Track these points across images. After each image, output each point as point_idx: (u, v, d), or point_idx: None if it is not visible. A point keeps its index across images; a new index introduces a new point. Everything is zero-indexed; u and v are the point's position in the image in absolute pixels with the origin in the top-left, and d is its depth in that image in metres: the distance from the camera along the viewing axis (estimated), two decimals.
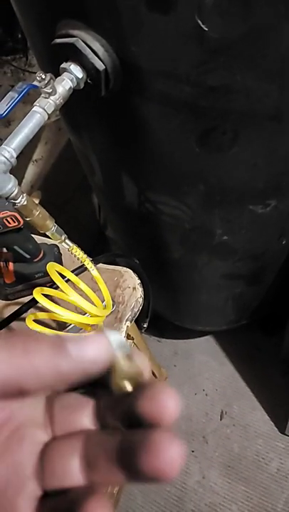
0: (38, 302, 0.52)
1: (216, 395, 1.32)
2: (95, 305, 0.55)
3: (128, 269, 0.73)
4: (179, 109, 0.54)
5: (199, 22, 0.41)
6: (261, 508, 1.08)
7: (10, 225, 0.60)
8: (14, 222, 0.59)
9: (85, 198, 1.56)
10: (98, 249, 0.70)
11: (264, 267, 0.98)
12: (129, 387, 0.19)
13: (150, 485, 1.16)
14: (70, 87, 0.47)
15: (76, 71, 0.45)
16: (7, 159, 0.42)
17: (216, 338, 1.44)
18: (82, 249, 0.57)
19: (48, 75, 0.42)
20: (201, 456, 1.21)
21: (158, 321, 1.28)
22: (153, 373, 1.17)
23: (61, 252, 0.74)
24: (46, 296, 0.53)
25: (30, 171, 1.32)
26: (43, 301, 0.51)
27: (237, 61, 0.47)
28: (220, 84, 0.51)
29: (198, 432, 1.25)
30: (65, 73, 0.46)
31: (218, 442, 1.22)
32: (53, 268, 0.52)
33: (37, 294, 0.52)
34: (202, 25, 0.41)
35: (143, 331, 1.00)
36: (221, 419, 1.26)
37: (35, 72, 0.43)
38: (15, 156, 0.44)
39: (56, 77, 0.45)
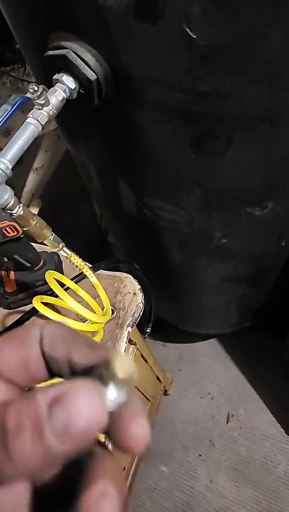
0: (38, 310, 0.52)
1: (221, 398, 1.31)
2: (94, 312, 0.55)
3: (128, 275, 0.73)
4: (172, 115, 0.55)
5: (187, 30, 0.42)
6: (270, 511, 1.08)
7: (9, 235, 0.60)
8: (13, 231, 0.60)
9: (86, 204, 1.57)
10: (100, 255, 0.70)
11: (265, 268, 0.98)
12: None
13: (159, 490, 1.16)
14: (63, 98, 0.47)
15: (68, 82, 0.46)
16: (2, 171, 0.43)
17: (220, 341, 1.44)
18: (81, 257, 0.57)
19: (41, 87, 0.43)
20: (209, 460, 1.20)
21: (162, 325, 1.28)
22: (158, 378, 1.17)
23: (62, 259, 0.74)
24: (47, 304, 0.54)
25: (31, 180, 1.33)
26: (43, 310, 0.51)
27: (227, 66, 0.48)
28: (211, 89, 0.51)
29: (204, 436, 1.25)
30: (57, 84, 0.47)
31: (226, 446, 1.22)
32: (51, 276, 0.53)
33: (36, 302, 0.52)
34: (190, 33, 0.42)
35: (146, 336, 1.01)
36: (227, 423, 1.26)
37: (34, 82, 0.43)
38: (10, 167, 0.45)
39: (49, 88, 0.46)
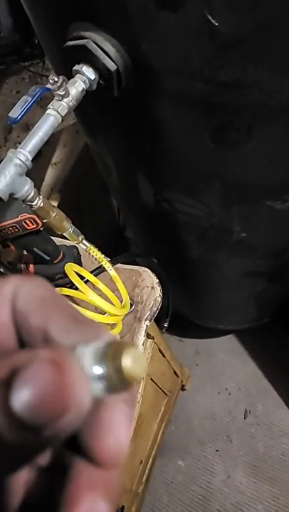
0: None
1: (239, 393, 1.30)
2: (113, 304, 0.55)
3: (146, 269, 0.73)
4: (193, 106, 0.54)
5: (209, 17, 0.41)
6: (288, 508, 1.07)
7: (29, 228, 0.61)
8: (33, 224, 0.60)
9: (104, 199, 1.57)
10: (118, 250, 0.71)
11: (286, 263, 0.96)
12: None
13: (175, 484, 1.16)
14: (83, 89, 0.47)
15: (88, 72, 0.46)
16: (23, 162, 0.43)
17: (238, 336, 1.43)
18: (100, 250, 0.57)
19: (61, 78, 0.43)
20: (226, 455, 1.20)
21: (179, 320, 1.28)
22: (175, 373, 1.17)
23: (80, 253, 0.75)
24: (66, 296, 0.54)
25: (50, 174, 1.33)
26: None
27: (249, 55, 0.47)
28: (232, 79, 0.50)
29: (222, 431, 1.24)
30: (77, 75, 0.46)
31: (243, 441, 1.21)
32: (71, 269, 0.53)
33: None
34: (212, 21, 0.41)
35: (164, 330, 1.00)
36: (244, 418, 1.25)
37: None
38: (30, 158, 0.45)
39: (69, 80, 0.46)
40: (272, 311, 1.20)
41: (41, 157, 1.32)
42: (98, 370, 0.13)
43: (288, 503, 1.08)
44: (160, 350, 0.95)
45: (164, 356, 1.00)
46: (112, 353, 0.13)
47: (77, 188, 1.43)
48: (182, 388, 1.31)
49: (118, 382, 0.13)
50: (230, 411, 1.27)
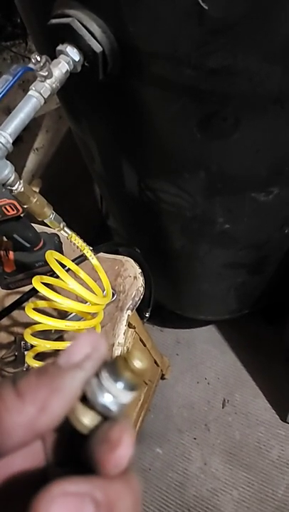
0: (38, 291, 0.51)
1: (218, 383, 1.32)
2: (95, 293, 0.54)
3: (129, 259, 0.72)
4: (179, 93, 0.53)
5: (199, 0, 0.40)
6: (262, 493, 1.09)
7: (9, 213, 0.59)
8: (13, 210, 0.59)
9: (87, 187, 1.55)
10: (100, 240, 0.69)
11: (267, 256, 0.97)
12: (88, 424, 0.18)
13: (153, 471, 1.17)
14: (67, 70, 0.46)
15: (73, 53, 0.44)
16: (3, 144, 0.41)
17: (218, 327, 1.44)
18: (82, 238, 0.56)
19: (44, 57, 0.41)
20: (203, 443, 1.21)
21: (160, 310, 1.28)
22: (155, 362, 1.17)
23: (62, 241, 0.73)
24: (46, 285, 0.53)
25: (31, 160, 1.30)
26: (43, 290, 0.50)
27: (239, 42, 0.46)
28: (221, 66, 0.49)
29: (200, 420, 1.26)
30: (61, 55, 0.45)
31: (220, 430, 1.23)
32: (52, 256, 0.52)
33: (36, 282, 0.51)
34: (202, 4, 0.40)
35: (145, 320, 1.00)
36: (222, 408, 1.27)
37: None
38: (11, 141, 0.43)
39: (52, 60, 0.44)
40: (251, 303, 1.21)
41: (22, 142, 1.28)
42: (120, 384, 0.18)
43: (262, 489, 1.10)
44: (141, 340, 0.95)
45: (144, 346, 1.00)
46: (122, 367, 0.18)
47: (58, 174, 1.40)
48: (162, 377, 1.32)
49: (136, 379, 0.18)
50: (209, 400, 1.29)
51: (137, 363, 0.18)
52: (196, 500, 1.12)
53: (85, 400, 0.18)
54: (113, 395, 0.17)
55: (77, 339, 0.19)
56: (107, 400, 0.17)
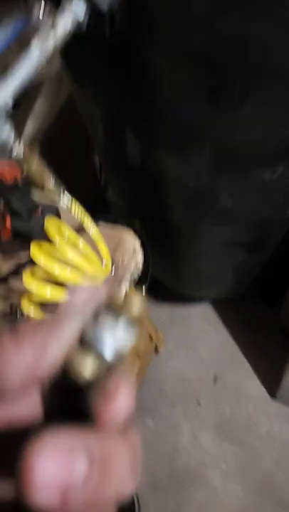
0: (35, 259, 0.50)
1: (210, 360, 1.33)
2: (93, 265, 0.53)
3: (129, 231, 0.71)
4: (190, 59, 0.51)
5: None
6: (249, 467, 1.12)
7: (7, 179, 0.57)
8: (11, 175, 0.57)
9: (86, 156, 1.52)
10: (98, 213, 0.68)
11: (266, 235, 0.96)
12: (86, 372, 0.17)
13: (144, 443, 1.19)
14: (72, 27, 0.43)
15: (78, 8, 0.41)
16: (2, 104, 0.39)
17: (214, 305, 1.44)
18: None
19: (47, 12, 0.39)
20: (194, 417, 1.23)
21: (157, 286, 1.27)
22: (150, 336, 1.17)
23: (59, 210, 0.72)
24: (43, 253, 0.52)
25: (30, 126, 1.27)
26: (40, 258, 0.49)
27: (253, 7, 0.43)
28: (234, 32, 0.47)
29: (191, 395, 1.27)
30: (66, 12, 0.42)
31: (211, 405, 1.24)
32: (50, 224, 0.50)
33: (34, 250, 0.50)
34: None
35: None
36: (214, 384, 1.28)
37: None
38: (10, 101, 0.41)
39: (56, 15, 0.42)
40: (248, 282, 1.21)
41: (21, 108, 1.24)
42: (119, 328, 0.18)
43: (249, 462, 1.13)
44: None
45: (140, 322, 1.00)
46: (120, 311, 0.18)
47: (57, 142, 1.37)
48: (156, 351, 1.32)
49: (135, 323, 0.18)
50: (201, 376, 1.30)
51: (136, 307, 0.18)
52: (185, 472, 1.14)
53: (83, 347, 0.17)
54: (112, 339, 0.17)
55: (76, 288, 0.19)
56: (106, 343, 0.17)
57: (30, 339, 0.16)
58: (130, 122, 0.65)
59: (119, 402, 0.16)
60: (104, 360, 0.17)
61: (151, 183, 0.76)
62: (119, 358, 0.18)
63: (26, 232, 0.66)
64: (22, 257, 0.69)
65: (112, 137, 0.74)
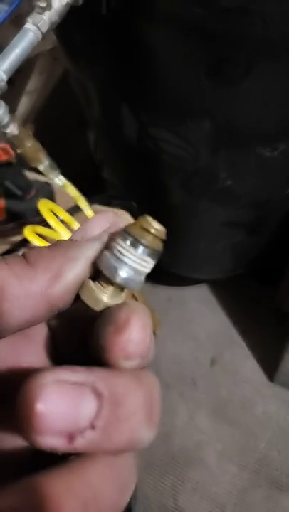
0: (29, 241, 0.49)
1: (207, 341, 1.34)
2: None
3: (124, 212, 0.70)
4: (188, 33, 0.49)
5: None
6: (244, 447, 1.14)
7: (1, 159, 0.56)
8: (5, 155, 0.56)
9: (81, 134, 1.49)
10: (93, 192, 0.66)
11: (266, 216, 0.95)
12: (103, 300, 0.16)
13: None
14: (68, 2, 0.41)
15: None
16: None
17: (211, 287, 1.44)
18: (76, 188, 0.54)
19: None
20: (190, 398, 1.25)
21: (154, 268, 1.27)
22: None
23: (54, 191, 0.70)
24: (38, 235, 0.51)
25: (23, 104, 1.24)
26: (34, 240, 0.48)
27: None
28: (235, 5, 0.45)
29: (187, 376, 1.28)
30: None
31: (207, 387, 1.26)
32: (45, 205, 0.49)
33: (28, 232, 0.49)
34: None
35: None
36: (211, 366, 1.29)
37: None
38: (5, 79, 0.40)
39: None
40: (246, 264, 1.21)
41: (14, 86, 1.21)
42: (140, 249, 0.16)
43: (245, 442, 1.15)
44: (133, 295, 0.94)
45: (136, 300, 1.00)
46: (140, 230, 0.16)
47: (51, 120, 1.34)
48: (152, 332, 1.33)
49: (157, 243, 0.17)
50: (198, 357, 1.31)
51: (155, 224, 0.17)
52: (180, 451, 1.16)
53: (98, 276, 0.16)
54: (133, 262, 0.16)
55: (93, 217, 0.18)
56: (122, 272, 0.16)
57: (45, 264, 0.15)
58: (127, 99, 0.63)
59: (131, 333, 0.14)
60: (120, 290, 0.16)
61: (148, 161, 0.74)
62: (136, 287, 0.16)
63: (20, 214, 0.65)
64: (16, 238, 0.68)
65: (108, 114, 0.72)
